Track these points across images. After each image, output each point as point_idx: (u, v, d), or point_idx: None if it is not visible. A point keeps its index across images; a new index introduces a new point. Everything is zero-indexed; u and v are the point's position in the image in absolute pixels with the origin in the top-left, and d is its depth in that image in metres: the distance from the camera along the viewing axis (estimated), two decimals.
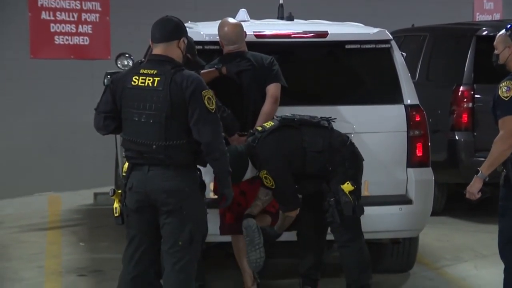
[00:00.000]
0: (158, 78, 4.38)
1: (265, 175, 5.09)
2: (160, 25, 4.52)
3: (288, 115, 5.27)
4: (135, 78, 4.42)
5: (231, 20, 5.55)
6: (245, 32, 5.52)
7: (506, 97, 4.77)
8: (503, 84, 4.80)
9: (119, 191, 4.57)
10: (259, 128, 5.20)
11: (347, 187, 5.09)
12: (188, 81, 4.37)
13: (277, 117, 5.30)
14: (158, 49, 4.49)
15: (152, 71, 4.41)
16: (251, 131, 5.23)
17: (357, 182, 5.19)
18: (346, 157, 5.18)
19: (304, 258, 5.46)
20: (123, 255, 4.59)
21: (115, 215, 4.56)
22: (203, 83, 4.45)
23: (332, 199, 5.10)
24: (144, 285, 4.56)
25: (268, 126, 5.19)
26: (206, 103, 4.37)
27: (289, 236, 5.47)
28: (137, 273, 4.54)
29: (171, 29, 4.50)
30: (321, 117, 5.27)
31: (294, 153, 5.14)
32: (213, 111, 4.39)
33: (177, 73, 4.39)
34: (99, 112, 4.56)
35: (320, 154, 5.15)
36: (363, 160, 5.29)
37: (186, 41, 4.55)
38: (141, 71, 4.44)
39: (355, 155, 5.25)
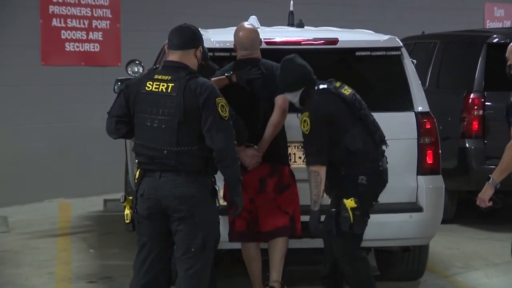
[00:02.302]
0: (172, 84, 4.40)
1: (306, 118, 5.03)
2: (178, 32, 4.55)
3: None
4: (149, 84, 4.44)
5: (247, 25, 5.51)
6: (261, 39, 5.48)
7: None
8: None
9: (130, 197, 4.58)
10: (338, 84, 5.18)
11: (349, 203, 5.00)
12: (202, 88, 4.39)
13: None
14: (174, 56, 4.51)
15: (167, 77, 4.43)
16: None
17: (364, 201, 5.06)
18: (365, 172, 5.10)
19: (325, 263, 5.41)
20: (134, 262, 4.58)
21: (126, 221, 4.57)
22: (217, 90, 4.47)
23: (333, 210, 5.06)
24: None
25: (343, 89, 5.16)
26: (219, 110, 4.39)
27: (304, 243, 5.44)
28: (147, 279, 4.53)
29: (189, 38, 4.53)
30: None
31: (340, 125, 5.08)
32: (226, 119, 4.41)
33: (192, 79, 4.41)
34: (112, 116, 4.58)
35: (352, 153, 5.08)
36: (386, 183, 5.19)
37: (202, 50, 4.58)
38: (156, 76, 4.46)
39: (378, 176, 5.15)
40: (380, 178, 5.13)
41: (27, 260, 7.01)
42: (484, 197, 4.87)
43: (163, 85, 4.42)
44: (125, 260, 6.81)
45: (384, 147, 5.17)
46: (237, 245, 5.53)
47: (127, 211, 4.57)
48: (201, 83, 4.42)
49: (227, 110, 4.43)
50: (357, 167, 5.05)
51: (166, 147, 4.38)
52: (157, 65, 4.70)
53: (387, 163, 5.18)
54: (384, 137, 5.19)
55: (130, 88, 4.52)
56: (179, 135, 4.38)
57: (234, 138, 4.51)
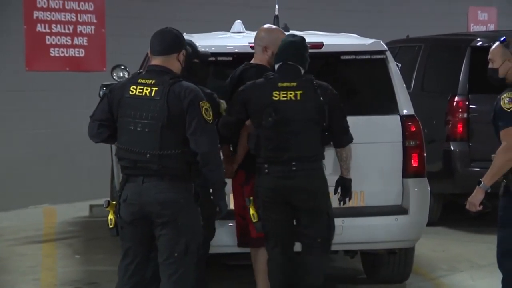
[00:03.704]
0: (156, 88, 4.40)
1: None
2: (160, 37, 4.54)
3: None
4: (133, 88, 4.44)
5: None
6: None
7: (508, 108, 4.77)
8: (505, 95, 4.81)
9: (114, 202, 4.57)
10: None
11: (252, 208, 5.07)
12: (187, 91, 4.40)
13: None
14: (157, 61, 4.52)
15: (150, 81, 4.43)
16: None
17: (258, 200, 5.08)
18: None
19: None
20: (118, 267, 4.58)
21: (110, 226, 4.56)
22: (201, 94, 4.47)
23: None
24: None
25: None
26: (203, 113, 4.39)
27: None
28: (132, 285, 4.53)
29: (171, 42, 4.53)
30: None
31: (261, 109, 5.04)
32: (210, 122, 4.42)
33: (176, 83, 4.42)
34: (94, 119, 4.57)
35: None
36: (278, 188, 5.06)
37: (185, 54, 4.58)
38: (139, 81, 4.46)
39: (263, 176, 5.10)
40: (265, 180, 5.07)
41: (13, 267, 6.99)
42: (475, 201, 4.87)
43: (146, 89, 4.42)
44: (110, 266, 6.78)
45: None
46: (225, 250, 5.53)
47: (110, 216, 4.56)
48: (185, 86, 4.43)
49: (211, 114, 4.44)
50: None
51: (149, 151, 4.38)
52: (141, 70, 4.70)
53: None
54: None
55: (113, 93, 4.52)
56: (162, 138, 4.38)
57: (218, 142, 4.53)
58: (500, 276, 4.96)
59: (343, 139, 5.13)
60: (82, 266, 7.00)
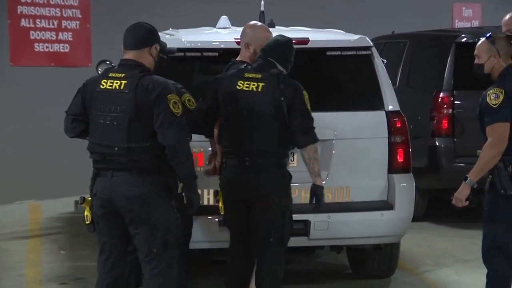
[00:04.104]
0: (125, 81, 4.41)
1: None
2: (132, 31, 4.55)
3: None
4: (104, 82, 4.45)
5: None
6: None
7: (494, 104, 4.79)
8: (491, 91, 4.82)
9: (89, 198, 4.56)
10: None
11: (220, 201, 5.05)
12: (155, 84, 4.39)
13: None
14: (129, 55, 4.52)
15: (120, 75, 4.44)
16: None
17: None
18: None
19: None
20: (97, 262, 4.59)
21: (86, 222, 4.56)
22: (169, 87, 4.47)
23: None
24: None
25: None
26: (171, 106, 4.37)
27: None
28: (112, 279, 4.54)
29: (143, 36, 4.52)
30: None
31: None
32: (178, 115, 4.39)
33: (145, 77, 4.41)
34: (69, 114, 4.59)
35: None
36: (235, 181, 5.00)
37: (158, 48, 4.56)
38: (110, 75, 4.47)
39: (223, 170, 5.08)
40: (223, 173, 5.06)
41: (1, 263, 6.95)
42: (461, 196, 4.88)
43: (116, 83, 4.42)
44: (96, 261, 6.77)
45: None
46: (210, 245, 5.53)
47: (86, 212, 4.56)
48: (154, 80, 4.42)
49: (179, 107, 4.41)
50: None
51: (117, 144, 4.39)
52: (114, 65, 4.70)
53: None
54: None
55: (87, 87, 4.53)
56: (130, 131, 4.37)
57: (187, 135, 4.50)
58: (484, 271, 4.99)
59: (301, 139, 4.89)
60: (68, 261, 6.98)
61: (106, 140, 4.42)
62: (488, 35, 4.98)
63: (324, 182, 5.25)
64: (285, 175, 4.98)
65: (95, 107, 4.46)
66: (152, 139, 4.39)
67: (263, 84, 4.92)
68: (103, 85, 4.45)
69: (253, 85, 4.94)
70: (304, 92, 4.95)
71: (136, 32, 4.54)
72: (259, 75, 4.96)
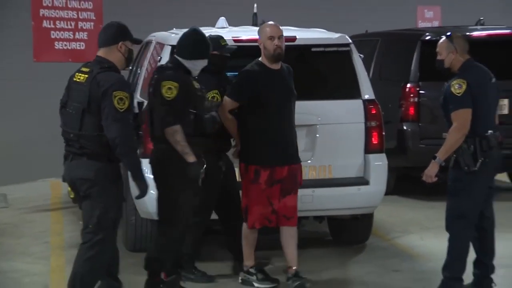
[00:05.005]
0: (87, 76, 4.36)
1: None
2: (103, 30, 4.51)
3: None
4: (77, 75, 4.42)
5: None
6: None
7: (458, 93, 4.81)
8: (455, 82, 4.84)
9: None
10: None
11: None
12: (106, 80, 4.30)
13: None
14: (100, 52, 4.45)
15: (87, 69, 4.39)
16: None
17: None
18: None
19: None
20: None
21: (71, 196, 4.57)
22: (119, 84, 4.30)
23: None
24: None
25: None
26: (116, 102, 4.25)
27: None
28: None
29: (111, 35, 4.44)
30: None
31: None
32: (122, 110, 4.25)
33: (102, 73, 4.33)
34: (60, 104, 4.56)
35: None
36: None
37: (128, 45, 4.43)
38: (82, 69, 4.43)
39: None
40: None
41: (25, 232, 6.96)
42: (431, 173, 4.89)
43: (83, 76, 4.38)
44: None
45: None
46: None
47: (69, 188, 4.56)
48: (107, 76, 4.31)
49: (125, 103, 4.26)
50: None
51: (72, 131, 4.37)
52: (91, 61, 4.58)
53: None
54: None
55: (69, 79, 4.50)
56: (83, 121, 4.33)
57: (130, 129, 4.32)
58: (446, 237, 5.02)
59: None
60: None
61: (67, 127, 4.42)
62: (448, 34, 5.00)
63: (309, 162, 5.27)
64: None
65: (68, 97, 4.44)
66: (101, 129, 4.32)
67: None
68: (75, 78, 4.42)
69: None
70: (164, 83, 4.68)
71: (106, 31, 4.48)
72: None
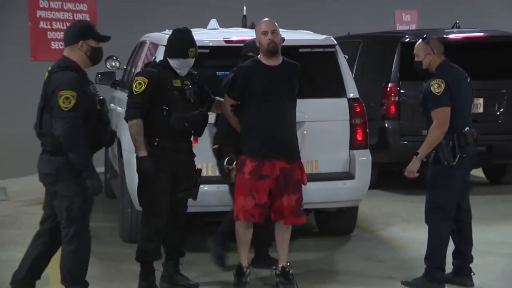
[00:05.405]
0: (48, 75, 4.31)
1: None
2: (66, 30, 4.45)
3: None
4: (46, 74, 4.35)
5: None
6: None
7: (438, 93, 4.80)
8: (434, 82, 4.83)
9: None
10: None
11: None
12: (55, 80, 4.22)
13: None
14: (64, 51, 4.38)
15: (50, 69, 4.33)
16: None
17: None
18: None
19: None
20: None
21: None
22: (66, 84, 4.18)
23: None
24: None
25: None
26: (60, 101, 4.17)
27: None
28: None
29: (72, 34, 4.36)
30: None
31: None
32: (66, 109, 4.16)
33: (58, 71, 4.25)
34: None
35: None
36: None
37: (91, 43, 4.32)
38: (49, 68, 4.36)
39: None
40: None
41: (25, 223, 6.88)
42: (413, 169, 4.88)
43: (46, 76, 4.33)
44: (108, 222, 6.73)
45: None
46: (204, 209, 5.48)
47: None
48: (59, 75, 4.22)
49: (70, 102, 4.15)
50: None
51: (36, 129, 4.37)
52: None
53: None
54: None
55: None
56: (42, 118, 4.31)
57: (76, 127, 4.20)
58: (425, 228, 5.02)
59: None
60: None
61: (35, 125, 4.39)
62: (424, 36, 4.99)
63: None
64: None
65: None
66: None
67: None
68: (45, 76, 4.35)
69: None
70: (136, 78, 4.74)
71: (68, 30, 4.41)
72: None
